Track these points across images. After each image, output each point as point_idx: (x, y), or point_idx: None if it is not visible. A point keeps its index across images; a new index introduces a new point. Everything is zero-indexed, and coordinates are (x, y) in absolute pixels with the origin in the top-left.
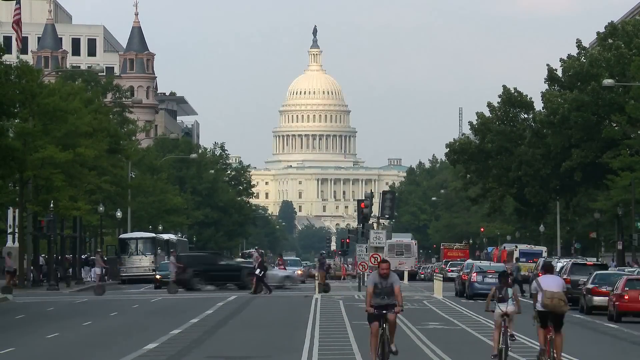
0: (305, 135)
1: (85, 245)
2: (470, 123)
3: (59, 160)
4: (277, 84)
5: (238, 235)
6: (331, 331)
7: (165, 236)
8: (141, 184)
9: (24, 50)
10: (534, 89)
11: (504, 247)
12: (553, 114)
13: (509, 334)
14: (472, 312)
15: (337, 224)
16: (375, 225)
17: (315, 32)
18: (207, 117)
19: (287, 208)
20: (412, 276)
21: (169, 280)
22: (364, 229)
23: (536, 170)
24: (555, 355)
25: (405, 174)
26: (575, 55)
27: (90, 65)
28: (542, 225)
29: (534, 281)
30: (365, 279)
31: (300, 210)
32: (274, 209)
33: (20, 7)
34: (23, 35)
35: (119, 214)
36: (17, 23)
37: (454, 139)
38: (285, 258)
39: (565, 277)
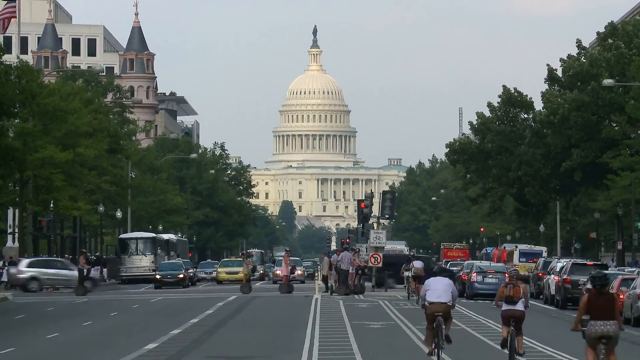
0: (305, 135)
1: (85, 245)
2: (470, 123)
3: (59, 160)
4: (277, 84)
5: (238, 235)
6: (331, 331)
7: (165, 236)
8: (141, 184)
9: (24, 50)
10: (534, 89)
11: (504, 247)
12: (553, 114)
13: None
14: (472, 312)
15: (337, 224)
16: (375, 225)
17: (315, 32)
18: (207, 117)
19: (287, 208)
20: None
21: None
22: (364, 229)
23: (536, 170)
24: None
25: (405, 174)
26: (575, 55)
27: (90, 65)
28: (542, 225)
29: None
30: None
31: (300, 210)
32: (274, 209)
33: (14, 6)
34: (23, 35)
35: (119, 214)
36: (8, 20)
37: (454, 139)
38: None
39: (565, 277)
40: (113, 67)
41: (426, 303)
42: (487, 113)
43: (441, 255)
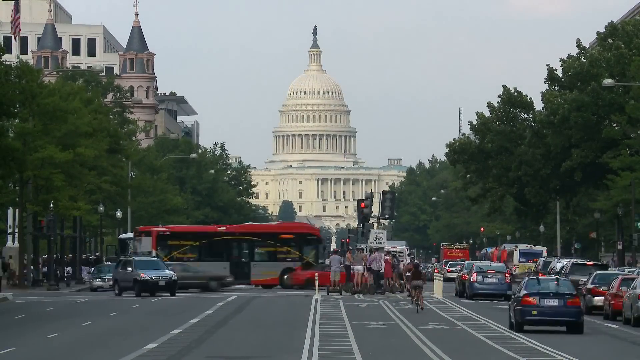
0: (305, 135)
1: (85, 245)
2: (470, 123)
3: (59, 160)
4: (277, 84)
5: None
6: (331, 331)
7: None
8: (141, 184)
9: (24, 50)
10: (534, 89)
11: (504, 247)
12: (553, 114)
13: None
14: (472, 312)
15: (337, 224)
16: (375, 225)
17: (315, 32)
18: (207, 117)
19: (287, 208)
20: None
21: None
22: (364, 229)
23: (536, 170)
24: None
25: (405, 174)
26: (575, 55)
27: (90, 65)
28: (542, 225)
29: None
30: None
31: (300, 210)
32: (274, 209)
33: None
34: (23, 35)
35: (119, 214)
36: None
37: (454, 139)
38: None
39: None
40: (113, 67)
41: None
42: (487, 113)
43: (441, 255)
